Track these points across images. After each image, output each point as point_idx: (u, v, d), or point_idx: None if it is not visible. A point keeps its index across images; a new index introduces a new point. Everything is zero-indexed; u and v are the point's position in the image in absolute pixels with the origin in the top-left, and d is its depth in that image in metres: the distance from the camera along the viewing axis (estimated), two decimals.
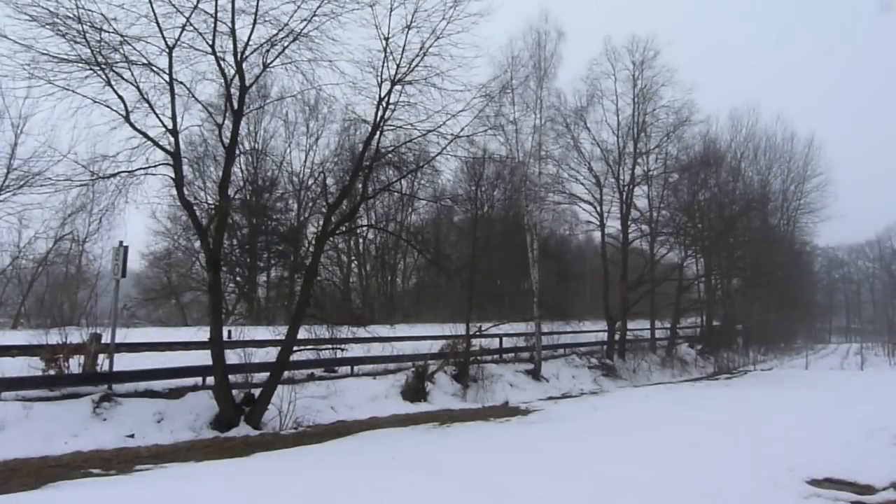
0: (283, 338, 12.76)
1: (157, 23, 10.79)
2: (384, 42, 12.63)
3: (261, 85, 16.26)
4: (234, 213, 29.50)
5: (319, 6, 11.56)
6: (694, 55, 41.88)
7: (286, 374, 13.27)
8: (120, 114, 11.01)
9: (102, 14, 10.49)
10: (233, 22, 11.37)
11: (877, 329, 66.74)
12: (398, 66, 12.85)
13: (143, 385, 12.42)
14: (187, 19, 10.98)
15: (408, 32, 12.66)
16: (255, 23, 11.43)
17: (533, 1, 23.68)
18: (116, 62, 10.81)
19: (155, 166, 11.61)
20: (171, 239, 31.27)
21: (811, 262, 59.47)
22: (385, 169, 14.57)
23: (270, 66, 12.10)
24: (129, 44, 10.82)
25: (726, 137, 40.05)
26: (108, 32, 10.65)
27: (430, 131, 13.36)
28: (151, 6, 10.68)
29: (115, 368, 12.27)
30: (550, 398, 18.26)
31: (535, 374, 20.48)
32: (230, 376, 12.07)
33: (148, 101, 11.19)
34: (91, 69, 10.58)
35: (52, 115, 11.70)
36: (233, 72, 11.74)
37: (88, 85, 10.73)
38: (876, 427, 10.71)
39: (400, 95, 13.10)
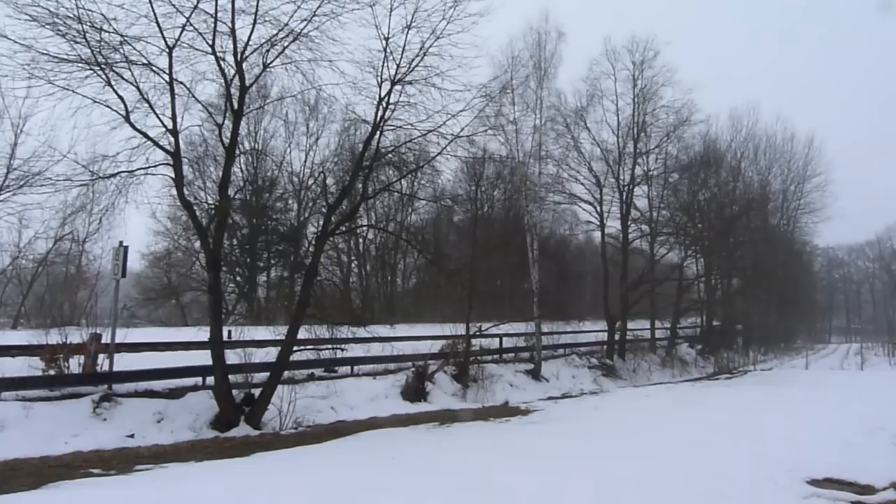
0: (283, 338, 12.75)
1: (157, 23, 10.79)
2: (384, 42, 12.63)
3: (261, 85, 16.23)
4: (234, 213, 29.52)
5: (319, 6, 11.56)
6: (694, 59, 41.87)
7: (286, 374, 13.26)
8: (120, 114, 11.01)
9: (102, 14, 10.50)
10: (233, 22, 11.36)
11: (877, 329, 66.70)
12: (398, 66, 12.85)
13: (143, 385, 12.41)
14: (187, 19, 10.98)
15: (408, 32, 12.66)
16: (255, 23, 11.43)
17: (533, 1, 23.70)
18: (116, 62, 10.81)
19: (155, 166, 11.61)
20: (171, 239, 31.32)
21: (811, 262, 59.52)
22: (385, 169, 14.56)
23: (270, 66, 12.09)
24: (129, 44, 10.82)
25: (726, 137, 40.11)
26: (108, 32, 10.65)
27: (430, 131, 13.36)
28: (151, 6, 10.69)
29: (115, 368, 12.26)
30: (550, 398, 18.26)
31: (535, 374, 20.47)
32: (230, 376, 12.07)
33: (148, 101, 11.19)
34: (91, 69, 10.58)
35: (52, 115, 11.68)
36: (233, 72, 11.73)
37: (88, 85, 10.75)
38: (876, 427, 10.71)
39: (400, 95, 13.10)
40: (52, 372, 11.73)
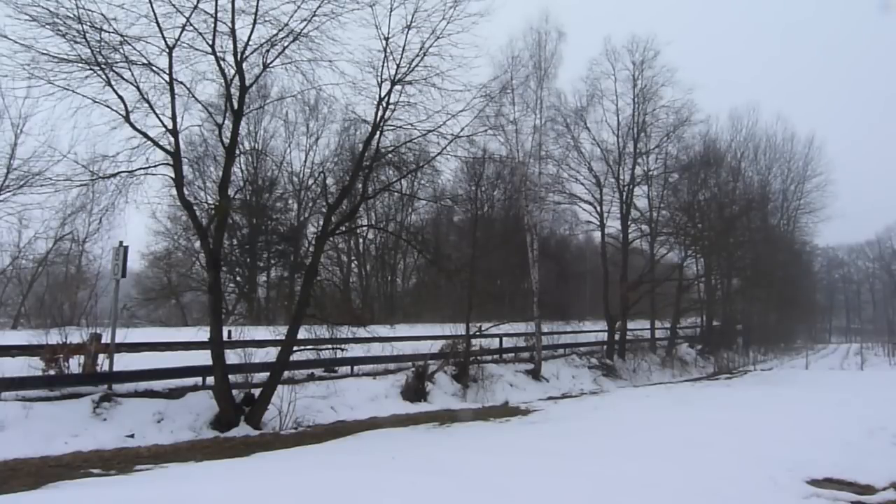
0: (283, 338, 12.75)
1: (157, 23, 10.79)
2: (384, 42, 12.64)
3: (261, 85, 16.26)
4: (234, 213, 29.50)
5: (319, 6, 11.57)
6: (694, 59, 41.84)
7: (286, 374, 13.27)
8: (120, 114, 11.01)
9: (102, 14, 10.50)
10: (233, 22, 11.36)
11: (877, 329, 66.67)
12: (398, 66, 12.86)
13: (143, 385, 12.41)
14: (187, 19, 10.98)
15: (408, 32, 12.67)
16: (255, 23, 11.44)
17: (533, 1, 23.72)
18: (116, 62, 10.81)
19: (155, 166, 11.61)
20: (171, 239, 31.29)
21: (811, 262, 59.52)
22: (385, 169, 14.56)
23: (270, 66, 12.10)
24: (129, 44, 10.82)
25: (726, 137, 40.16)
26: (108, 32, 10.65)
27: (430, 131, 13.36)
28: (151, 6, 10.69)
29: (115, 368, 12.26)
30: (550, 398, 18.26)
31: (535, 374, 20.47)
32: (230, 376, 12.07)
33: (148, 101, 11.18)
34: (91, 69, 10.58)
35: (52, 115, 11.72)
36: (233, 72, 11.74)
37: (88, 85, 10.75)
38: (876, 427, 10.70)
39: (400, 95, 13.11)
40: (52, 372, 11.73)
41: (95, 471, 8.54)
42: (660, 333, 30.51)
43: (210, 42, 11.33)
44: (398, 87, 13.01)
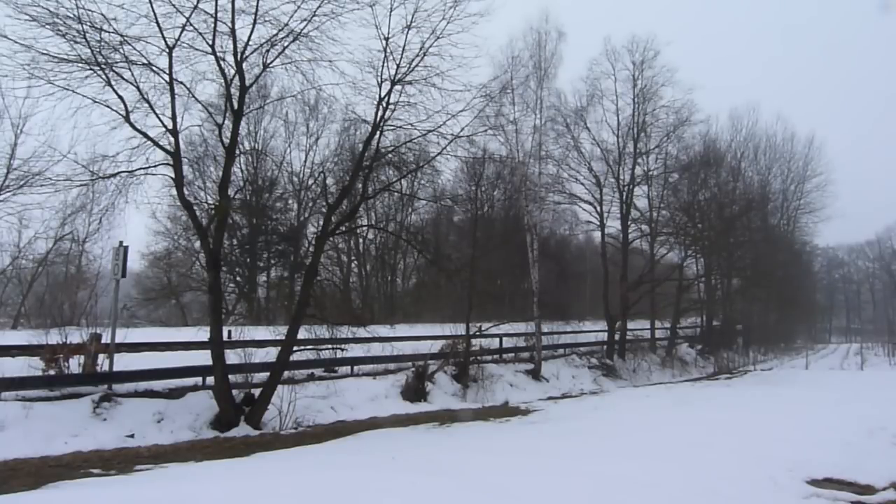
0: (283, 338, 12.75)
1: (157, 23, 10.79)
2: (384, 42, 12.64)
3: (261, 85, 16.26)
4: (234, 213, 29.50)
5: (319, 6, 11.57)
6: (694, 59, 41.84)
7: (286, 374, 13.27)
8: (120, 114, 11.01)
9: (102, 14, 10.51)
10: (233, 22, 11.37)
11: (877, 329, 66.58)
12: (398, 66, 12.86)
13: (143, 385, 12.41)
14: (187, 19, 10.99)
15: (408, 32, 12.68)
16: (255, 23, 11.44)
17: (533, 1, 23.72)
18: (116, 62, 10.81)
19: (155, 166, 11.61)
20: (171, 239, 31.28)
21: (811, 262, 59.49)
22: (385, 169, 14.56)
23: (270, 66, 12.10)
24: (129, 44, 10.83)
25: (726, 137, 40.19)
26: (108, 32, 10.65)
27: (430, 131, 13.37)
28: (151, 6, 10.69)
29: (115, 368, 12.26)
30: (550, 398, 18.27)
31: (535, 374, 20.47)
32: (230, 376, 12.07)
33: (148, 101, 11.19)
34: (91, 69, 10.58)
35: (52, 115, 11.72)
36: (233, 72, 11.74)
37: (88, 85, 10.76)
38: (876, 427, 10.71)
39: (400, 95, 13.11)
40: (52, 372, 11.73)
41: (95, 471, 8.54)
42: (660, 333, 30.50)
43: (210, 42, 11.34)
44: (398, 87, 13.02)
